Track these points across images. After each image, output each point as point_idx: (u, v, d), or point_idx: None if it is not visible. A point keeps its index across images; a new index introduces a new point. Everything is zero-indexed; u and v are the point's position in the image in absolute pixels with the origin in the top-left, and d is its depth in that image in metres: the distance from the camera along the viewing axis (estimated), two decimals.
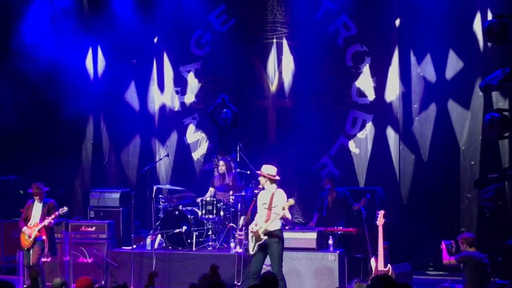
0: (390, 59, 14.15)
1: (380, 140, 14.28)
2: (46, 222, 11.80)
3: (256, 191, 10.97)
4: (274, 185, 10.70)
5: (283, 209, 10.46)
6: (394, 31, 14.06)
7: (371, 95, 14.36)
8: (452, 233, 12.02)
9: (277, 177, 10.73)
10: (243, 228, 11.07)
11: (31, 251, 11.85)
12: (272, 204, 10.58)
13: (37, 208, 12.01)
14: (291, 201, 10.46)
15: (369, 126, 14.35)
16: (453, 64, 13.69)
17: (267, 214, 10.57)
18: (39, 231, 11.82)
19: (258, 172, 10.80)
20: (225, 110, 14.11)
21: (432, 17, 13.51)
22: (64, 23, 15.48)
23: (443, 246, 10.40)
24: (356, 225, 12.59)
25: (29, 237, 11.82)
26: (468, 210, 13.50)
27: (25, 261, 12.06)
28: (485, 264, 10.04)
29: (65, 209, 11.90)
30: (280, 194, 10.70)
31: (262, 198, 10.70)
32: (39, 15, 15.43)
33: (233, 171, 13.71)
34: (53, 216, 11.83)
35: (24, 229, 11.91)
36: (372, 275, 10.86)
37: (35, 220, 11.92)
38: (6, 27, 15.34)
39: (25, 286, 11.43)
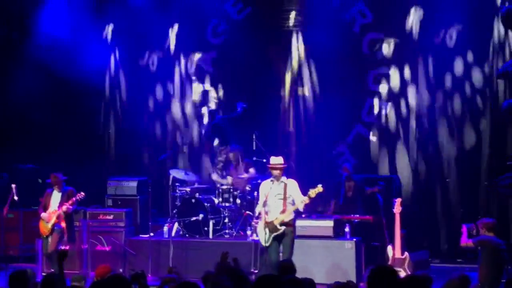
0: (408, 46, 14.10)
1: (396, 128, 14.25)
2: (64, 208, 11.86)
3: (270, 180, 10.85)
4: (284, 176, 10.71)
5: (309, 197, 10.43)
6: (411, 17, 14.01)
7: (388, 82, 14.33)
8: (471, 221, 11.98)
9: (285, 165, 10.75)
10: (259, 216, 11.09)
11: (49, 239, 11.92)
12: (287, 194, 10.59)
13: (56, 196, 12.07)
14: (320, 188, 10.41)
15: (386, 113, 14.32)
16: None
17: (283, 204, 10.58)
18: (57, 217, 11.88)
19: (273, 165, 10.69)
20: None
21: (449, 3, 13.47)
22: (79, 12, 15.54)
23: (464, 229, 10.37)
24: (373, 213, 12.57)
25: (48, 223, 11.87)
26: (486, 197, 13.47)
27: (44, 249, 12.14)
28: (502, 250, 9.99)
29: (83, 194, 11.95)
30: (294, 183, 10.71)
31: (273, 189, 10.66)
32: (56, 4, 15.50)
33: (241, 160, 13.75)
34: (70, 202, 11.89)
35: (43, 215, 11.98)
36: (389, 263, 10.87)
37: (54, 207, 11.97)
38: (25, 18, 15.45)
39: (44, 273, 11.51)
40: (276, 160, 10.74)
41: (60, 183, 12.08)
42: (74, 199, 11.88)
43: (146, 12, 15.30)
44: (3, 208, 12.27)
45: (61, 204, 11.92)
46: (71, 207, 11.92)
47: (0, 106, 14.97)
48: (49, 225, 11.91)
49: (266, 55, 15.15)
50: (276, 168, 10.64)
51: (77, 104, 15.77)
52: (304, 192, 10.61)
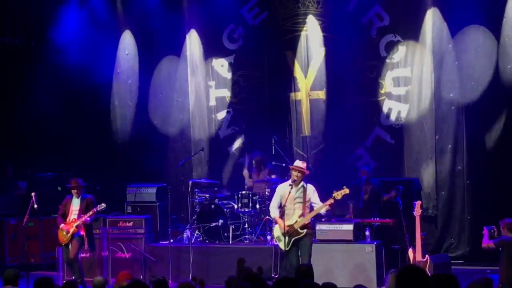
0: (424, 48, 14.03)
1: (415, 130, 14.16)
2: (84, 218, 11.88)
3: (289, 185, 10.83)
4: (303, 181, 10.70)
5: (335, 198, 10.42)
6: (428, 19, 13.93)
7: (405, 85, 14.26)
8: (491, 223, 11.90)
9: (307, 172, 10.76)
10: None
11: (69, 246, 11.95)
12: (306, 198, 10.59)
13: (75, 203, 12.09)
14: (346, 190, 10.43)
15: (404, 116, 14.24)
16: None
17: (302, 208, 10.58)
18: (77, 227, 11.91)
19: (295, 166, 10.71)
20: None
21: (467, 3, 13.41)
22: (96, 20, 15.64)
23: (485, 231, 10.32)
24: (393, 216, 12.52)
25: (67, 233, 11.91)
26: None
27: (64, 256, 12.18)
28: None
29: (103, 205, 11.97)
30: (312, 188, 10.74)
31: (292, 193, 10.62)
32: (72, 14, 15.60)
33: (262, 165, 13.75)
34: (91, 213, 11.90)
35: (62, 226, 12.00)
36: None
37: (73, 216, 12.01)
38: (43, 26, 15.55)
39: (64, 281, 11.53)
40: (300, 163, 10.75)
41: (80, 189, 12.10)
42: (95, 210, 11.90)
43: (162, 18, 15.34)
44: (24, 216, 12.31)
45: (80, 213, 11.94)
46: (88, 218, 11.94)
47: (19, 115, 15.05)
48: (68, 235, 11.93)
49: (283, 59, 15.09)
50: (297, 170, 10.62)
51: (95, 112, 15.84)
52: (325, 195, 10.60)
